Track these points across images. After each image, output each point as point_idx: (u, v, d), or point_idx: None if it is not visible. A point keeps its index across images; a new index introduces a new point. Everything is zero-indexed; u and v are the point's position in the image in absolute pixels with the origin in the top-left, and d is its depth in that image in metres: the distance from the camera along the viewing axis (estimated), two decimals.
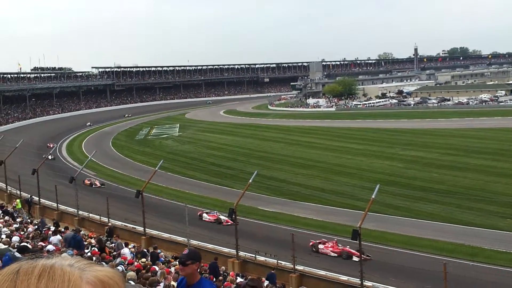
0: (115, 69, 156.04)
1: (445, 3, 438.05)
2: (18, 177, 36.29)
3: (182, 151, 66.78)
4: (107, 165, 57.57)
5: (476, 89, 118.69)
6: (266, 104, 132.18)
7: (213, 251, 24.96)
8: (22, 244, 15.37)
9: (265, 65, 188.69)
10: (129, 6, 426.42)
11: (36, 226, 23.40)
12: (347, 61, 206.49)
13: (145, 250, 22.38)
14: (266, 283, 19.60)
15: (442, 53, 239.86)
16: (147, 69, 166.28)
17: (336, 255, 26.42)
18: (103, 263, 14.85)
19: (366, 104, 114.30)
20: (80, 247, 18.10)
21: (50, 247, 16.47)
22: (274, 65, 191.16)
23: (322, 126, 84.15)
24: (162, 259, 20.63)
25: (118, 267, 14.13)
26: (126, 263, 16.23)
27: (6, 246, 14.27)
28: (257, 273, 22.12)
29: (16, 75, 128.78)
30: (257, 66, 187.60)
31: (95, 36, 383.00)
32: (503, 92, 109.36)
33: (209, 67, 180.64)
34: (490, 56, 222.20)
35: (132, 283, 11.41)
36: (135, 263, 16.40)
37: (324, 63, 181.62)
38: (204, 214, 34.42)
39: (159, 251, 21.95)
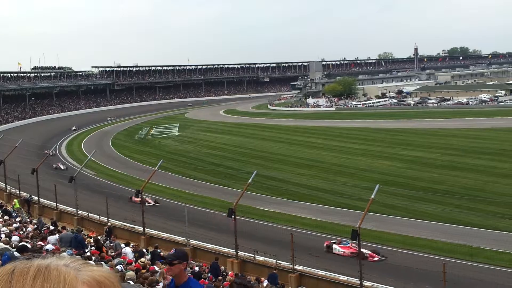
0: (115, 69, 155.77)
1: (445, 3, 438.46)
2: (18, 176, 36.23)
3: (182, 150, 66.72)
4: (107, 164, 57.60)
5: (476, 89, 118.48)
6: (266, 103, 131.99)
7: (213, 251, 24.96)
8: (21, 243, 15.35)
9: (265, 65, 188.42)
10: (129, 6, 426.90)
11: (36, 226, 23.38)
12: (347, 60, 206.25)
13: (144, 249, 22.36)
14: (265, 283, 19.59)
15: (442, 53, 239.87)
16: (147, 68, 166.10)
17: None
18: (102, 262, 14.85)
19: (366, 104, 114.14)
20: (82, 247, 18.09)
21: (49, 246, 16.47)
22: (274, 65, 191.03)
23: (322, 126, 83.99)
24: (162, 260, 20.60)
25: (117, 267, 14.13)
26: (126, 262, 16.21)
27: (6, 246, 14.25)
28: (256, 273, 22.09)
29: (16, 75, 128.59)
30: (257, 65, 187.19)
31: (95, 36, 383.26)
32: (503, 92, 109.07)
33: (209, 66, 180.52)
34: (490, 56, 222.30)
35: (131, 282, 11.41)
36: (133, 263, 16.39)
37: (324, 63, 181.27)
38: (335, 246, 27.53)
39: (159, 250, 21.92)
